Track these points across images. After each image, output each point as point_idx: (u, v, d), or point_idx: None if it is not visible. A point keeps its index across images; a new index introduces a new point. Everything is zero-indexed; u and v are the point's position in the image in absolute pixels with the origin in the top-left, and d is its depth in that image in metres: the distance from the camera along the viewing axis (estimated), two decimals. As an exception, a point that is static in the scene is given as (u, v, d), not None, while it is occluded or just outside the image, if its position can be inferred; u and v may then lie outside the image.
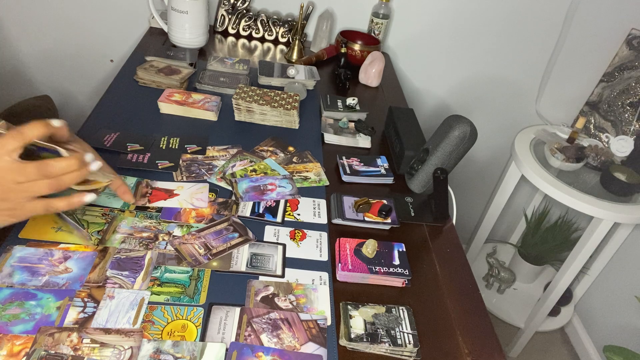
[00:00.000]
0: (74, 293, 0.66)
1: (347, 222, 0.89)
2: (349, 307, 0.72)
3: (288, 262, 0.78)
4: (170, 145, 0.99)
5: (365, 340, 0.68)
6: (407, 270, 0.79)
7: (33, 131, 0.57)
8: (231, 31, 1.57)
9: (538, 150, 1.61)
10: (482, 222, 1.85)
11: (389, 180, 1.03)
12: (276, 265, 0.77)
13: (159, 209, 0.83)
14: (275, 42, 1.60)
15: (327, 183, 0.98)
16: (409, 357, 0.68)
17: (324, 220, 0.89)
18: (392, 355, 0.68)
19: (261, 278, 0.75)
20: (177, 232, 0.79)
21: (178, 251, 0.76)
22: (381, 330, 0.70)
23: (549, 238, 1.87)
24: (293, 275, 0.76)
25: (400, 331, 0.70)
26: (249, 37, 1.59)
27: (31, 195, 0.59)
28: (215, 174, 0.93)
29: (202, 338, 0.64)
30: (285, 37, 1.59)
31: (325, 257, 0.81)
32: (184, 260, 0.74)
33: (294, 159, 1.03)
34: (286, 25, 1.57)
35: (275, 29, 1.58)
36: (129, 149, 0.95)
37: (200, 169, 0.94)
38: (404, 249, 0.84)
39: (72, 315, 0.64)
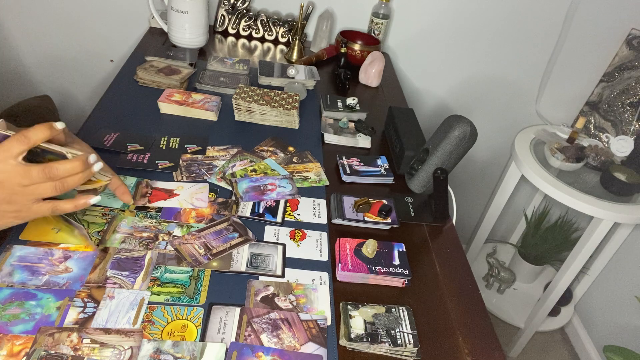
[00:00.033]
0: (74, 293, 0.66)
1: (347, 222, 0.89)
2: (349, 307, 0.72)
3: (288, 262, 0.78)
4: (170, 145, 0.99)
5: (365, 340, 0.68)
6: (407, 270, 0.79)
7: (38, 134, 0.58)
8: (231, 31, 1.57)
9: (538, 150, 1.61)
10: (482, 222, 1.85)
11: (389, 180, 1.03)
12: (276, 265, 0.77)
13: (159, 209, 0.83)
14: (275, 42, 1.60)
15: (327, 183, 0.98)
16: (409, 357, 0.68)
17: (324, 220, 0.89)
18: (392, 355, 0.68)
19: (261, 278, 0.75)
20: (177, 232, 0.79)
21: (178, 251, 0.76)
22: (381, 330, 0.70)
23: (549, 238, 1.87)
24: (293, 275, 0.76)
25: (400, 331, 0.70)
26: (249, 37, 1.59)
27: (36, 198, 0.60)
28: (215, 174, 0.93)
29: (202, 338, 0.64)
30: (285, 37, 1.59)
31: (325, 257, 0.81)
32: (184, 260, 0.74)
33: (294, 159, 1.03)
34: (286, 25, 1.57)
35: (275, 29, 1.58)
36: (129, 149, 0.95)
37: (200, 169, 0.94)
38: (404, 249, 0.84)
39: (72, 315, 0.64)
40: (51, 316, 0.63)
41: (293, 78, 1.32)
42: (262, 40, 1.59)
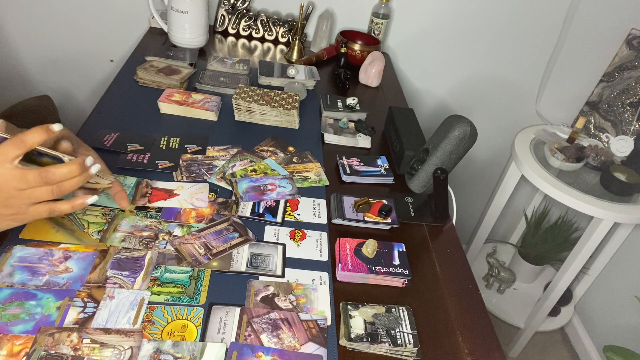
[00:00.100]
0: (74, 293, 0.66)
1: (347, 222, 0.89)
2: (349, 307, 0.72)
3: (288, 262, 0.78)
4: (170, 145, 0.99)
5: (365, 340, 0.68)
6: (407, 270, 0.79)
7: (34, 138, 0.57)
8: (231, 31, 1.57)
9: (538, 150, 1.61)
10: (482, 222, 1.85)
11: (389, 180, 1.03)
12: (276, 265, 0.77)
13: (159, 209, 0.83)
14: (275, 42, 1.60)
15: (327, 183, 0.98)
16: (409, 357, 0.68)
17: (324, 220, 0.89)
18: (392, 355, 0.68)
19: (261, 278, 0.75)
20: (177, 232, 0.79)
21: (178, 251, 0.76)
22: (381, 330, 0.70)
23: (549, 238, 1.87)
24: (293, 275, 0.76)
25: (400, 331, 0.70)
26: (249, 37, 1.59)
27: (33, 202, 0.60)
28: (215, 174, 0.93)
29: (202, 338, 0.64)
30: (285, 37, 1.59)
31: (325, 257, 0.81)
32: (184, 260, 0.74)
33: (294, 159, 1.03)
34: (286, 25, 1.57)
35: (275, 29, 1.58)
36: (129, 149, 0.95)
37: (200, 169, 0.94)
38: (404, 249, 0.84)
39: (72, 315, 0.64)
40: (51, 316, 0.63)
41: (293, 78, 1.32)
42: (262, 40, 1.59)
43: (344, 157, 1.06)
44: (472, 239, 1.96)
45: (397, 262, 0.81)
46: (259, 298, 0.71)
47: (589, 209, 1.40)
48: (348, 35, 1.58)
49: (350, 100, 1.24)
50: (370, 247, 0.80)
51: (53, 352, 0.59)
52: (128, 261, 0.73)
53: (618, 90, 1.66)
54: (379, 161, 1.07)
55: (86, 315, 0.64)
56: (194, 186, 0.89)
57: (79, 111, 1.85)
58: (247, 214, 0.86)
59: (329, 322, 0.70)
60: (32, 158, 0.62)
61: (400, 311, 0.73)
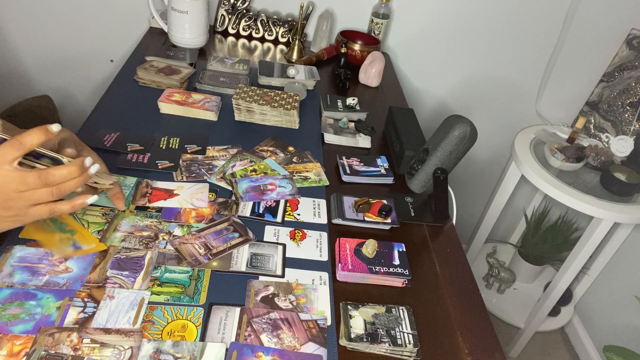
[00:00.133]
0: (74, 293, 0.66)
1: (347, 222, 0.89)
2: (349, 307, 0.73)
3: (288, 262, 0.78)
4: (170, 145, 0.99)
5: (365, 340, 0.68)
6: (407, 270, 0.79)
7: (33, 139, 0.57)
8: (231, 31, 1.57)
9: (538, 150, 1.61)
10: (482, 222, 1.85)
11: (389, 180, 1.03)
12: (276, 265, 0.77)
13: (159, 209, 0.83)
14: (275, 42, 1.60)
15: (327, 183, 0.98)
16: (409, 357, 0.68)
17: (324, 220, 0.89)
18: (392, 355, 0.68)
19: (261, 278, 0.75)
20: (177, 232, 0.79)
21: (178, 251, 0.76)
22: (381, 330, 0.70)
23: (549, 238, 1.87)
24: (293, 275, 0.76)
25: (400, 331, 0.70)
26: (249, 37, 1.59)
27: (33, 203, 0.59)
28: (215, 174, 0.93)
29: (202, 338, 0.64)
30: (285, 37, 1.59)
31: (325, 257, 0.81)
32: (184, 260, 0.74)
33: (294, 159, 1.03)
34: (286, 25, 1.57)
35: (275, 29, 1.58)
36: (129, 149, 0.95)
37: (200, 169, 0.94)
38: (404, 249, 0.84)
39: (72, 315, 0.64)
40: (51, 316, 0.63)
41: (293, 78, 1.32)
42: (262, 40, 1.59)
43: (344, 157, 1.06)
44: (472, 239, 1.96)
45: (397, 262, 0.81)
46: (259, 298, 0.71)
47: (589, 209, 1.40)
48: (348, 35, 1.58)
49: (350, 100, 1.24)
50: (370, 247, 0.80)
51: (53, 352, 0.59)
52: (128, 261, 0.73)
53: (618, 90, 1.66)
54: (379, 161, 1.07)
55: (86, 315, 0.64)
56: (194, 186, 0.89)
57: (79, 111, 1.85)
58: (247, 214, 0.86)
59: (329, 322, 0.70)
60: (31, 159, 0.62)
61: (400, 311, 0.73)
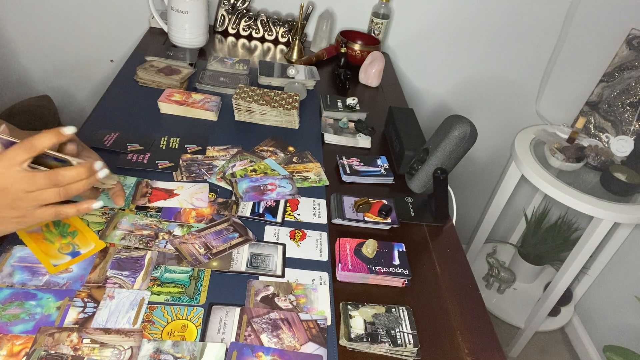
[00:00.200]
0: (74, 293, 0.66)
1: (347, 222, 0.89)
2: (349, 307, 0.72)
3: (288, 262, 0.78)
4: (170, 145, 0.99)
5: (365, 340, 0.68)
6: (407, 270, 0.79)
7: (44, 142, 0.57)
8: (231, 31, 1.57)
9: (538, 150, 1.61)
10: (482, 222, 1.85)
11: (389, 180, 1.03)
12: (276, 265, 0.77)
13: (159, 209, 0.83)
14: (275, 42, 1.60)
15: (327, 183, 0.98)
16: (409, 357, 0.68)
17: (324, 220, 0.89)
18: (392, 355, 0.68)
19: (261, 278, 0.75)
20: (177, 231, 0.79)
21: (178, 251, 0.76)
22: (381, 330, 0.70)
23: (549, 238, 1.87)
24: (293, 275, 0.76)
25: (400, 331, 0.70)
26: (249, 37, 1.59)
27: (40, 204, 0.60)
28: (215, 174, 0.93)
29: (202, 338, 0.64)
30: (285, 37, 1.59)
31: (325, 257, 0.81)
32: (184, 260, 0.74)
33: (294, 159, 1.03)
34: (286, 25, 1.57)
35: (275, 29, 1.58)
36: (129, 149, 0.95)
37: (200, 169, 0.94)
38: (404, 249, 0.84)
39: (72, 315, 0.64)
40: (51, 316, 0.63)
41: (293, 78, 1.32)
42: (262, 40, 1.59)
43: (344, 157, 1.06)
44: (472, 239, 1.96)
45: (397, 262, 0.81)
46: (259, 298, 0.71)
47: (589, 209, 1.40)
48: (348, 35, 1.58)
49: (350, 100, 1.24)
50: (370, 247, 0.80)
51: (53, 352, 0.59)
52: (128, 261, 0.73)
53: (618, 90, 1.66)
54: (379, 161, 1.07)
55: (86, 315, 0.64)
56: (194, 186, 0.89)
57: (79, 111, 1.85)
58: (247, 214, 0.86)
59: (329, 322, 0.70)
60: (38, 160, 0.62)
61: (400, 311, 0.73)
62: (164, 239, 0.77)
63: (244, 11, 1.55)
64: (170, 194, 0.86)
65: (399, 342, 0.68)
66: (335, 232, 0.87)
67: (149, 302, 0.67)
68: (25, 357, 0.58)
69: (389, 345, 0.68)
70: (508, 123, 1.88)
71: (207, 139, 1.03)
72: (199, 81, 1.22)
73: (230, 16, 1.55)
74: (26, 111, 1.54)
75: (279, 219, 0.87)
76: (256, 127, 1.12)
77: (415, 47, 1.72)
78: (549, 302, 1.68)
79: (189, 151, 0.98)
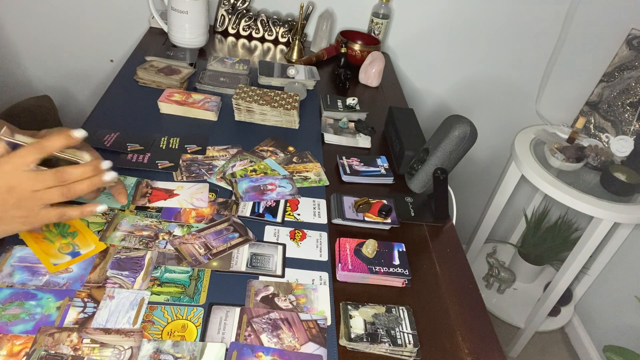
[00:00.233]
0: (74, 293, 0.66)
1: (347, 222, 0.89)
2: (349, 307, 0.72)
3: (288, 262, 0.78)
4: (170, 145, 0.99)
5: (365, 340, 0.68)
6: (407, 270, 0.79)
7: (54, 144, 0.59)
8: (231, 31, 1.57)
9: (538, 150, 1.61)
10: (482, 222, 1.85)
11: (389, 180, 1.03)
12: (276, 265, 0.77)
13: (159, 209, 0.83)
14: (275, 42, 1.60)
15: (327, 183, 0.98)
16: (409, 357, 0.68)
17: (324, 220, 0.89)
18: (392, 355, 0.68)
19: (261, 278, 0.75)
20: (177, 232, 0.79)
21: (178, 251, 0.76)
22: (381, 330, 0.70)
23: (549, 238, 1.87)
24: (293, 275, 0.76)
25: (400, 331, 0.70)
26: (249, 37, 1.59)
27: (44, 203, 0.60)
28: (215, 174, 0.93)
29: (202, 338, 0.64)
30: (285, 37, 1.59)
31: (325, 257, 0.81)
32: (184, 260, 0.74)
33: (294, 159, 1.03)
34: (286, 25, 1.57)
35: (275, 29, 1.58)
36: (129, 149, 0.95)
37: (200, 169, 0.94)
38: (404, 249, 0.84)
39: (72, 315, 0.64)
40: (51, 316, 0.63)
41: (293, 78, 1.32)
42: (262, 40, 1.59)
43: (344, 157, 1.06)
44: (472, 239, 1.96)
45: (397, 262, 0.81)
46: (259, 298, 0.71)
47: (589, 209, 1.40)
48: (348, 35, 1.58)
49: (350, 100, 1.24)
50: (370, 247, 0.80)
51: (53, 352, 0.59)
52: (128, 261, 0.73)
53: (618, 90, 1.66)
54: (379, 161, 1.07)
55: (86, 315, 0.64)
56: (194, 186, 0.89)
57: (79, 111, 1.85)
58: (247, 214, 0.86)
59: (329, 322, 0.70)
60: (45, 160, 0.62)
61: (400, 311, 0.73)
62: (164, 239, 0.77)
63: (244, 11, 1.55)
64: (170, 194, 0.86)
65: (399, 342, 0.68)
66: (335, 232, 0.87)
67: (149, 302, 0.67)
68: (25, 357, 0.58)
69: (389, 345, 0.68)
70: (508, 123, 1.88)
71: (207, 139, 1.03)
72: (199, 81, 1.22)
73: (230, 16, 1.55)
74: (26, 111, 1.53)
75: (279, 219, 0.87)
76: (256, 127, 1.12)
77: (415, 47, 1.72)
78: (549, 302, 1.68)
79: (189, 151, 0.98)
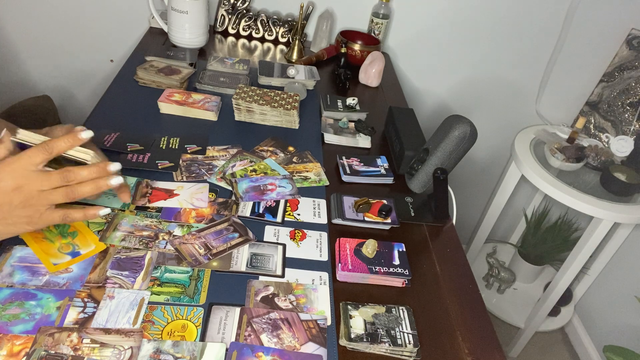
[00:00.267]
0: (74, 293, 0.66)
1: (347, 222, 0.89)
2: (349, 307, 0.72)
3: (288, 262, 0.78)
4: (170, 145, 0.99)
5: (365, 340, 0.68)
6: (407, 270, 0.79)
7: (61, 145, 0.60)
8: (231, 31, 1.57)
9: (538, 150, 1.61)
10: (482, 222, 1.85)
11: (389, 180, 1.03)
12: (276, 265, 0.77)
13: (159, 209, 0.83)
14: (275, 42, 1.60)
15: (327, 183, 0.98)
16: (409, 357, 0.68)
17: (324, 220, 0.89)
18: (392, 355, 0.68)
19: (261, 278, 0.75)
20: (177, 232, 0.79)
21: (178, 251, 0.76)
22: (381, 330, 0.70)
23: (549, 238, 1.87)
24: (293, 275, 0.76)
25: (400, 331, 0.70)
26: (249, 37, 1.59)
27: (50, 203, 0.61)
28: (215, 174, 0.93)
29: (202, 338, 0.64)
30: (285, 37, 1.59)
31: (325, 257, 0.81)
32: (184, 260, 0.74)
33: (294, 159, 1.03)
34: (286, 25, 1.57)
35: (275, 29, 1.58)
36: (129, 149, 0.95)
37: (200, 169, 0.94)
38: (404, 249, 0.84)
39: (72, 315, 0.64)
40: (51, 316, 0.63)
41: (293, 78, 1.32)
42: (262, 40, 1.59)
43: (344, 157, 1.06)
44: (472, 239, 1.96)
45: (397, 262, 0.81)
46: (259, 298, 0.71)
47: (589, 209, 1.40)
48: (348, 35, 1.58)
49: (350, 100, 1.24)
50: (370, 247, 0.80)
51: (53, 352, 0.59)
52: (128, 261, 0.73)
53: (618, 90, 1.66)
54: (379, 161, 1.07)
55: (86, 315, 0.64)
56: (194, 186, 0.89)
57: (79, 111, 1.85)
58: (247, 214, 0.86)
59: (329, 322, 0.70)
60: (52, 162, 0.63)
61: (400, 311, 0.73)
62: (164, 239, 0.77)
63: (244, 11, 1.55)
64: (170, 194, 0.86)
65: (399, 342, 0.68)
66: (335, 232, 0.87)
67: (149, 302, 0.67)
68: (25, 357, 0.58)
69: (389, 345, 0.68)
70: (508, 123, 1.88)
71: (207, 139, 1.03)
72: (199, 81, 1.22)
73: (230, 16, 1.55)
74: (26, 111, 1.53)
75: (279, 219, 0.87)
76: (256, 127, 1.12)
77: (415, 47, 1.73)
78: (549, 302, 1.68)
79: (189, 151, 0.98)
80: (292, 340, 0.66)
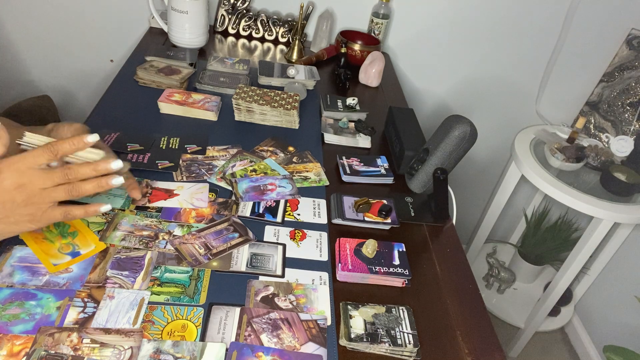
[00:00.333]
0: (74, 293, 0.66)
1: (347, 222, 0.89)
2: (349, 307, 0.72)
3: (288, 262, 0.78)
4: (170, 145, 0.99)
5: (365, 340, 0.68)
6: (407, 270, 0.79)
7: (66, 148, 0.60)
8: (231, 31, 1.57)
9: (538, 150, 1.61)
10: (482, 222, 1.85)
11: (389, 180, 1.03)
12: (276, 265, 0.77)
13: (159, 209, 0.83)
14: (275, 42, 1.60)
15: (327, 183, 0.98)
16: (409, 357, 0.68)
17: (324, 220, 0.89)
18: (392, 355, 0.68)
19: (261, 278, 0.75)
20: (177, 231, 0.79)
21: (178, 251, 0.76)
22: (381, 330, 0.70)
23: (549, 238, 1.87)
24: (293, 275, 0.76)
25: (400, 331, 0.70)
26: (249, 37, 1.59)
27: (52, 201, 0.61)
28: (215, 174, 0.93)
29: (202, 338, 0.64)
30: (285, 37, 1.59)
31: (325, 257, 0.81)
32: (184, 260, 0.74)
33: (294, 159, 1.03)
34: (286, 25, 1.57)
35: (275, 29, 1.58)
36: (129, 149, 0.95)
37: (200, 169, 0.94)
38: (404, 249, 0.84)
39: (72, 315, 0.64)
40: (51, 316, 0.63)
41: (293, 78, 1.32)
42: (262, 40, 1.59)
43: (344, 157, 1.06)
44: (472, 239, 1.96)
45: (397, 262, 0.81)
46: (259, 298, 0.71)
47: (589, 209, 1.40)
48: (348, 35, 1.58)
49: (350, 100, 1.24)
50: (370, 247, 0.80)
51: (53, 352, 0.59)
52: (128, 261, 0.73)
53: (618, 90, 1.66)
54: (379, 161, 1.07)
55: (86, 315, 0.64)
56: (194, 186, 0.89)
57: (79, 111, 1.85)
58: (247, 214, 0.86)
59: (329, 322, 0.70)
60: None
61: (400, 311, 0.73)
62: (164, 239, 0.77)
63: (244, 11, 1.55)
64: (170, 194, 0.86)
65: (399, 342, 0.68)
66: (335, 232, 0.87)
67: (149, 302, 0.67)
68: (25, 357, 0.58)
69: (389, 345, 0.68)
70: (508, 123, 1.88)
71: (207, 139, 1.03)
72: (199, 81, 1.22)
73: (230, 16, 1.55)
74: (26, 111, 1.53)
75: (279, 219, 0.87)
76: (256, 127, 1.12)
77: (415, 47, 1.72)
78: (549, 302, 1.68)
79: (189, 151, 0.98)
80: (292, 340, 0.66)
